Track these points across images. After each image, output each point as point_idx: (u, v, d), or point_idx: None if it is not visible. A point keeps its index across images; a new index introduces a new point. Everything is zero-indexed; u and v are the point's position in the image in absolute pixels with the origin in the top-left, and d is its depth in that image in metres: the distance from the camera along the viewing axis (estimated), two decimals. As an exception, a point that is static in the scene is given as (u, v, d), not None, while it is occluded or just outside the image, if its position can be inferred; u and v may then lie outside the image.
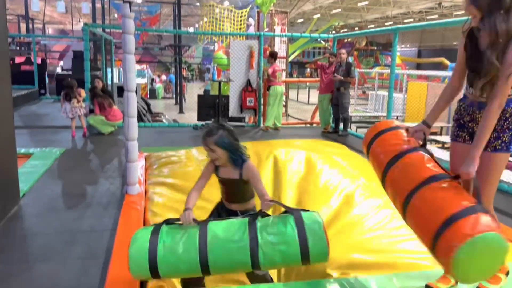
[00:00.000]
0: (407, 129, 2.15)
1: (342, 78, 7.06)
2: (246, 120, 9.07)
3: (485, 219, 1.65)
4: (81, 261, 2.69)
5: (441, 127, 10.94)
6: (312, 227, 1.92)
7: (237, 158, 2.17)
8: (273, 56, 7.93)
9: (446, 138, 9.21)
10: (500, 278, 2.03)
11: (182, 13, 18.72)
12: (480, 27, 1.82)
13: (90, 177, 4.59)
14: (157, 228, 2.05)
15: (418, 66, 37.64)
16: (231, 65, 8.19)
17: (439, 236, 1.65)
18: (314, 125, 9.25)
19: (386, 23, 35.64)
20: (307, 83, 22.83)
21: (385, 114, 13.10)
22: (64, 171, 4.88)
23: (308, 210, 2.05)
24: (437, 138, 9.50)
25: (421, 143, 2.08)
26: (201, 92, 14.82)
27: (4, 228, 3.19)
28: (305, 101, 20.50)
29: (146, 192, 3.80)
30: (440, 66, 33.03)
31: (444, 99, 2.13)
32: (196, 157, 4.44)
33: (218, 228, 1.99)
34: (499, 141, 1.89)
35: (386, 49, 35.71)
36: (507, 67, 1.74)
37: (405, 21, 34.30)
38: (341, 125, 7.50)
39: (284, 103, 15.55)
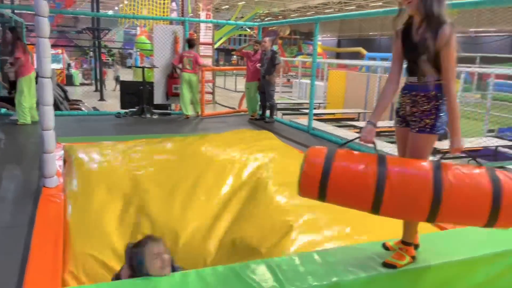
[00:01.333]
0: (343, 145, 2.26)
1: (268, 77, 7.27)
2: (173, 107, 8.91)
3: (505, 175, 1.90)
4: (-6, 260, 2.51)
5: (359, 113, 11.63)
6: None
7: None
8: (189, 42, 7.84)
9: (364, 123, 9.83)
10: (404, 257, 2.13)
11: (100, -6, 17.70)
12: (415, 9, 2.02)
13: (3, 170, 4.25)
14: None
15: (338, 55, 39.46)
16: (155, 51, 7.97)
17: (497, 210, 1.80)
18: (242, 112, 9.35)
19: (308, 13, 36.75)
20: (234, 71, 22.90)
21: (307, 100, 13.64)
22: (-29, 164, 4.45)
23: None
24: (355, 123, 10.11)
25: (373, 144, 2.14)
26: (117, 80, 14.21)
27: None
28: (233, 88, 20.59)
29: (65, 184, 3.62)
30: (358, 55, 34.95)
31: (386, 97, 2.21)
32: (122, 149, 4.29)
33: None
34: (423, 123, 2.09)
35: (309, 38, 36.88)
36: (441, 48, 1.97)
37: (326, 11, 35.62)
38: (268, 112, 7.68)
39: (211, 91, 15.53)
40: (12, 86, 6.81)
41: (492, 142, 8.16)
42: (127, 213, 3.12)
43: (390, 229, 2.35)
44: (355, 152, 2.07)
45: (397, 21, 2.16)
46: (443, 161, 1.98)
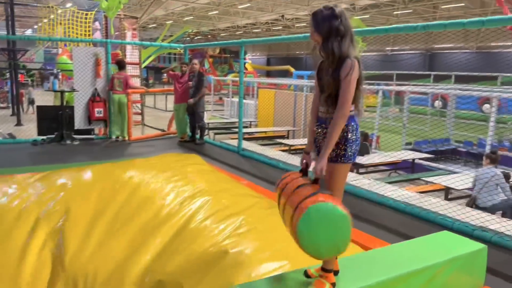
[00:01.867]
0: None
1: (193, 101, 7.23)
2: (96, 132, 8.50)
3: (322, 196, 1.94)
4: None
5: (288, 131, 11.92)
6: None
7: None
8: (119, 64, 7.67)
9: (292, 141, 10.08)
10: (325, 285, 2.13)
11: (17, 13, 16.64)
12: (321, 50, 2.20)
13: None
14: None
15: (268, 73, 40.44)
16: (75, 74, 7.58)
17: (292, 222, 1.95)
18: (171, 134, 9.16)
19: (237, 32, 37.40)
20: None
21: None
22: None
23: None
24: (284, 141, 10.33)
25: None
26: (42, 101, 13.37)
27: None
28: (163, 107, 20.18)
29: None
30: (287, 73, 36.08)
31: (312, 124, 2.35)
32: (36, 182, 3.96)
33: None
34: (334, 153, 2.17)
35: (239, 56, 37.42)
36: (342, 80, 2.11)
37: (254, 30, 36.49)
38: (198, 134, 7.59)
39: (140, 111, 15.07)
40: None
41: (410, 154, 8.74)
42: (40, 254, 2.86)
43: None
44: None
45: (313, 53, 2.28)
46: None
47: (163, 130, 10.67)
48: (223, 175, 4.59)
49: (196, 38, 39.71)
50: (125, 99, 7.57)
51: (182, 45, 9.35)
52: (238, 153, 6.83)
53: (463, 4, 21.46)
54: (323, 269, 2.17)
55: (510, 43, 22.55)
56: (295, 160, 6.02)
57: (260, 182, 5.05)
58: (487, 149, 8.20)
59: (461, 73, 18.30)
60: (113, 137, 7.62)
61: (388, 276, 2.17)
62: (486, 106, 17.50)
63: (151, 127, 12.92)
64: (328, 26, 2.16)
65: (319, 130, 2.25)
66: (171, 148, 7.20)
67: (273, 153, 6.59)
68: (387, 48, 31.75)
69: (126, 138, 7.71)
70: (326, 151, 2.12)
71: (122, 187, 3.44)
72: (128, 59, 13.91)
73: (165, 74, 40.75)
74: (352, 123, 2.18)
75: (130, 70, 14.07)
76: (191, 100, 7.30)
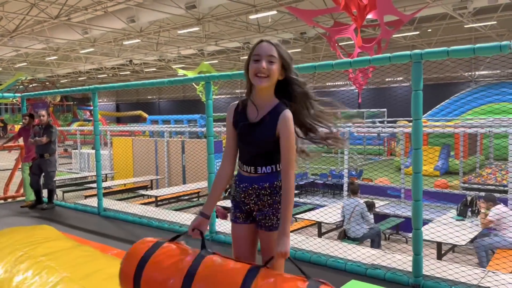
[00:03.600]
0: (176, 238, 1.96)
1: (42, 141, 6.08)
2: None
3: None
4: None
5: (151, 180, 11.16)
6: None
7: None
8: None
9: (158, 191, 9.38)
10: None
11: None
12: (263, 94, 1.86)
13: None
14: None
15: (118, 120, 38.54)
16: None
17: None
18: (9, 200, 7.61)
19: (80, 78, 34.97)
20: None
21: (92, 173, 12.38)
22: None
23: None
24: (149, 192, 9.57)
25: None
26: None
27: None
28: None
29: None
30: (139, 118, 34.88)
31: (219, 187, 2.00)
32: None
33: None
34: (273, 220, 1.86)
35: (83, 103, 34.81)
36: (286, 136, 1.79)
37: (99, 76, 34.62)
38: (44, 197, 6.42)
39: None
40: None
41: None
42: None
43: None
44: (180, 247, 1.92)
45: (247, 94, 1.94)
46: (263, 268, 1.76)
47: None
48: (87, 248, 3.77)
49: (31, 86, 35.73)
50: None
51: (18, 95, 8.01)
52: (99, 214, 5.92)
53: (299, 50, 23.96)
54: None
55: (341, 82, 25.85)
56: (169, 215, 5.44)
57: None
58: (345, 180, 8.88)
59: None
60: None
61: None
62: (329, 139, 19.46)
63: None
64: (290, 64, 1.87)
65: (248, 192, 1.89)
66: (12, 218, 5.87)
67: (141, 209, 5.88)
68: (237, 91, 33.39)
69: None
70: (287, 224, 1.79)
71: None
72: None
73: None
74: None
75: None
76: (31, 140, 6.17)
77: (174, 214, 5.63)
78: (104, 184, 10.31)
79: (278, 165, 1.88)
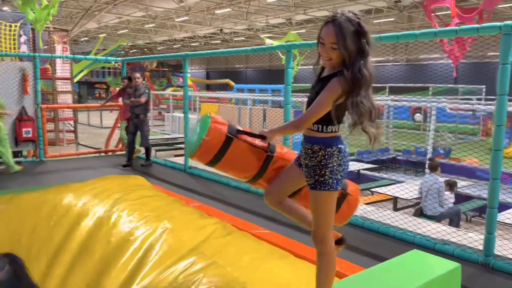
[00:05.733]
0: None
1: (140, 101, 6.62)
2: (25, 154, 7.71)
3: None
4: None
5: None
6: None
7: None
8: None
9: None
10: None
11: None
12: (342, 71, 1.86)
13: None
14: None
15: (208, 87, 40.13)
16: (-1, 91, 6.83)
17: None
18: (110, 153, 8.55)
19: (175, 46, 36.80)
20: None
21: (182, 135, 13.30)
22: None
23: None
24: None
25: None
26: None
27: None
28: (98, 124, 19.11)
29: None
30: (226, 87, 36.00)
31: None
32: None
33: None
34: (313, 180, 1.95)
35: (177, 70, 36.75)
36: (320, 94, 1.91)
37: (192, 44, 36.11)
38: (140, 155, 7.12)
39: (72, 129, 14.09)
40: None
41: (354, 165, 8.86)
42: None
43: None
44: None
45: (315, 66, 2.05)
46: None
47: (98, 148, 9.96)
48: (172, 199, 4.22)
49: (131, 51, 38.50)
50: None
51: (119, 59, 8.83)
52: (185, 171, 6.47)
53: (392, 19, 22.70)
54: None
55: (437, 55, 24.20)
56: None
57: (212, 202, 4.75)
58: (428, 157, 8.53)
59: (395, 84, 19.19)
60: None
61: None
62: (418, 115, 18.51)
63: (86, 146, 12.06)
64: (355, 43, 1.81)
65: (303, 146, 2.03)
66: (109, 168, 6.66)
67: (222, 170, 6.30)
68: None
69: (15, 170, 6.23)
70: (279, 128, 2.24)
71: (58, 223, 2.98)
72: (58, 74, 13.02)
73: (98, 90, 39.18)
74: (333, 147, 1.93)
75: (61, 86, 13.17)
76: (126, 101, 6.74)
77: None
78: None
79: (324, 127, 1.94)
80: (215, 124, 2.19)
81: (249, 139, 2.22)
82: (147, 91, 6.77)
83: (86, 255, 2.61)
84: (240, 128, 2.24)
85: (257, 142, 2.21)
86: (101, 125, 18.68)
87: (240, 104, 17.32)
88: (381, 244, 3.67)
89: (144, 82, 7.06)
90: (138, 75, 6.81)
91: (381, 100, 11.41)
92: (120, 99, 7.57)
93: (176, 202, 3.99)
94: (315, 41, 2.06)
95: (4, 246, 2.81)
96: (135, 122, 6.77)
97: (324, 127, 1.93)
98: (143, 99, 6.61)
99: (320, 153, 1.93)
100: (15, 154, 7.12)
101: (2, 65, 6.99)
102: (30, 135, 6.92)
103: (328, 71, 1.95)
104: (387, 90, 18.28)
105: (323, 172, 1.92)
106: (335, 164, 1.93)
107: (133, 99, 6.68)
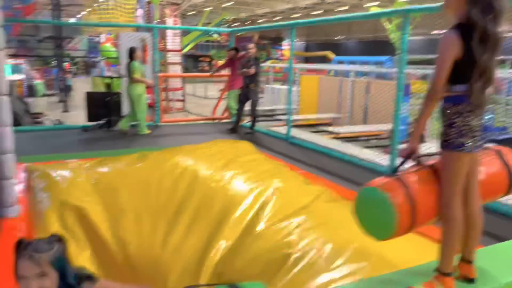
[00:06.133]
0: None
1: (250, 72, 6.85)
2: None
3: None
4: None
5: (333, 118, 11.56)
6: None
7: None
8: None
9: (339, 129, 9.72)
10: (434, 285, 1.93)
11: (62, 2, 16.99)
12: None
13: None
14: None
15: (306, 59, 39.73)
16: (122, 60, 7.57)
17: None
18: (216, 121, 9.05)
19: (275, 18, 36.84)
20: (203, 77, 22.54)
21: (281, 106, 13.49)
22: None
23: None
24: (331, 129, 9.99)
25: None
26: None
27: None
28: (202, 95, 20.20)
29: (30, 213, 3.23)
30: (325, 59, 35.27)
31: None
32: (93, 169, 3.92)
33: None
34: (441, 139, 1.95)
35: (276, 43, 36.89)
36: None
37: (292, 16, 35.80)
38: (247, 123, 7.42)
39: (182, 98, 15.12)
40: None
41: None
42: (103, 244, 2.77)
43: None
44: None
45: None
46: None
47: (205, 116, 10.58)
48: (279, 163, 4.38)
49: (233, 24, 39.47)
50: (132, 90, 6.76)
51: (229, 30, 9.15)
52: (287, 140, 6.61)
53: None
54: (437, 269, 1.93)
55: None
56: (351, 149, 5.73)
57: (315, 171, 4.81)
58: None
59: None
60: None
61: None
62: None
63: (194, 113, 12.85)
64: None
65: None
66: (217, 134, 7.07)
67: (324, 140, 6.32)
68: (434, 32, 30.30)
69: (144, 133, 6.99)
70: (416, 129, 1.97)
71: (181, 177, 3.30)
72: (169, 46, 13.92)
73: (202, 63, 41.01)
74: (459, 106, 1.87)
75: (171, 57, 14.09)
76: (245, 71, 6.96)
77: (355, 148, 5.88)
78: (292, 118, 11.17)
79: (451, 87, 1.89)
80: (398, 207, 1.82)
81: (412, 176, 1.93)
82: (258, 62, 6.99)
83: (206, 206, 2.87)
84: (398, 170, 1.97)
85: (411, 167, 1.98)
86: (206, 96, 19.72)
87: (341, 76, 16.90)
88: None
89: (256, 53, 7.17)
90: (252, 45, 7.04)
91: (504, 74, 10.27)
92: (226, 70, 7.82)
93: (283, 167, 4.14)
94: (438, 4, 1.99)
95: (136, 193, 3.20)
96: (245, 91, 7.09)
97: (449, 87, 1.90)
98: (252, 70, 6.85)
99: (445, 112, 1.92)
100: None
101: (125, 35, 7.70)
102: (149, 101, 7.58)
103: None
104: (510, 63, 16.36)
105: (448, 131, 1.90)
106: (460, 123, 1.87)
107: (245, 69, 6.94)
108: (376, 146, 9.37)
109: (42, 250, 1.47)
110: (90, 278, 1.62)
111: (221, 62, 7.86)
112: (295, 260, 2.28)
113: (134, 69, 6.67)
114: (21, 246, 1.50)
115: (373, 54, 26.47)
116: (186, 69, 32.92)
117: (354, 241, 2.39)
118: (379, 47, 31.52)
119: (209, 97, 18.84)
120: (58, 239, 1.55)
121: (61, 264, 1.50)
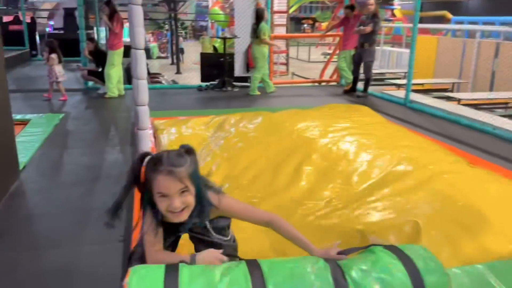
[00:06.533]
0: None
1: (366, 30, 6.37)
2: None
3: None
4: (98, 246, 2.36)
5: (453, 83, 10.52)
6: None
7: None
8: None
9: (460, 95, 8.80)
10: None
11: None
12: None
13: (95, 146, 4.21)
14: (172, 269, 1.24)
15: (420, 20, 36.59)
16: (236, 20, 7.62)
17: None
18: (323, 83, 8.79)
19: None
20: (305, 40, 22.03)
21: (392, 70, 12.67)
22: (66, 139, 4.48)
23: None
24: (451, 94, 9.10)
25: None
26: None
27: (5, 208, 2.84)
28: (306, 58, 19.83)
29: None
30: (442, 19, 32.09)
31: None
32: (214, 126, 4.06)
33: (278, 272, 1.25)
34: None
35: (386, 2, 34.41)
36: None
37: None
38: (361, 86, 7.06)
39: (285, 62, 14.99)
40: (98, 59, 6.85)
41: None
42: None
43: None
44: None
45: None
46: None
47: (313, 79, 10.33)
48: (402, 128, 4.07)
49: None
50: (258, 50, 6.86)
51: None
52: (405, 105, 6.15)
53: None
54: None
55: None
56: (481, 116, 5.13)
57: (443, 139, 4.39)
58: None
59: None
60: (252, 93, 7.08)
61: None
62: None
63: (300, 76, 12.67)
64: None
65: None
66: (327, 97, 6.86)
67: (451, 106, 5.76)
68: None
69: (254, 93, 7.03)
70: None
71: (300, 139, 3.23)
72: (276, 7, 13.73)
73: (305, 25, 40.13)
74: None
75: (277, 19, 13.90)
76: (355, 29, 6.59)
77: (486, 115, 5.26)
78: (401, 82, 10.42)
79: None
80: None
81: None
82: (376, 19, 6.49)
83: (327, 169, 2.78)
84: None
85: None
86: (309, 60, 19.32)
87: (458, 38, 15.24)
88: None
89: (376, 9, 6.59)
90: (372, 1, 6.48)
91: None
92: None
93: (406, 131, 3.85)
94: None
95: (257, 152, 3.22)
96: (359, 51, 6.71)
97: None
98: (368, 28, 6.39)
99: None
100: (245, 79, 8.00)
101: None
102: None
103: None
104: None
105: None
106: None
107: (361, 27, 6.50)
108: (503, 116, 8.37)
109: (179, 164, 1.35)
110: (216, 190, 1.52)
111: (324, 25, 7.51)
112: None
113: (265, 30, 6.75)
114: (151, 161, 1.38)
115: (499, 14, 23.39)
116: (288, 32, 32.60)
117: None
118: (505, 5, 27.72)
119: (312, 60, 18.44)
120: (187, 151, 1.42)
121: (197, 177, 1.41)
